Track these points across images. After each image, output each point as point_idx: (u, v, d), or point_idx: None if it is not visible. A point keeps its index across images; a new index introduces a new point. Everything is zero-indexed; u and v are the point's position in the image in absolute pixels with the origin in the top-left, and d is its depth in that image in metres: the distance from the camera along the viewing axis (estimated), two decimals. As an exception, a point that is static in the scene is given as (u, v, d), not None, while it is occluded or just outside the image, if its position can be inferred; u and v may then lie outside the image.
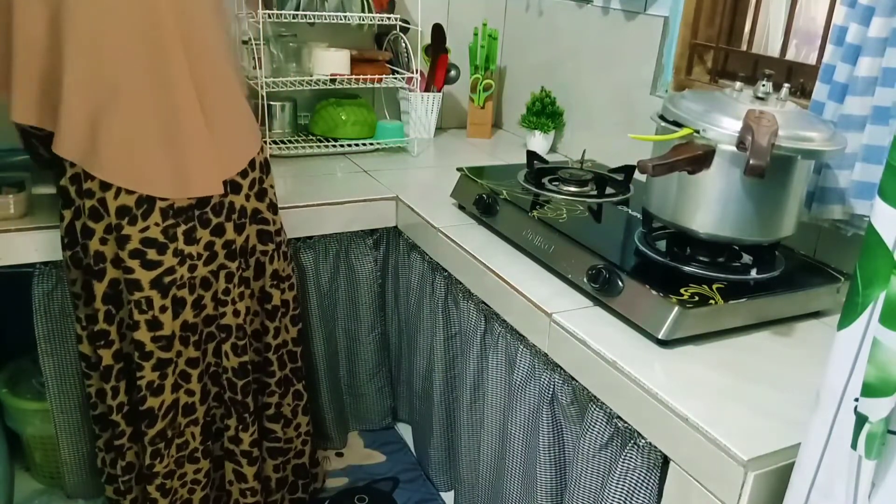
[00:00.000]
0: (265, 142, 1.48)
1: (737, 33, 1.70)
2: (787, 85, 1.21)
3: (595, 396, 1.11)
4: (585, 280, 1.24)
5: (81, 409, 1.60)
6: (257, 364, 1.52)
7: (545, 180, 1.64)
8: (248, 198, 1.39)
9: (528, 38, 2.24)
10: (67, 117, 1.22)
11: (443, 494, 1.79)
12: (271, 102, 2.01)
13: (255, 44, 1.93)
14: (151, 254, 1.29)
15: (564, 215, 1.43)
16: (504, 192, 1.53)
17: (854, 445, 0.70)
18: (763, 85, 1.19)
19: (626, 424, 1.06)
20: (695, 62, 1.75)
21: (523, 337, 1.28)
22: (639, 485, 1.05)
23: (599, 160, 1.85)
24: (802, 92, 1.50)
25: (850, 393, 0.71)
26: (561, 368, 1.19)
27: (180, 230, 1.31)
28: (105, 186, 1.24)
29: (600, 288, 1.20)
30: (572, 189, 1.59)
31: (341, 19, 1.96)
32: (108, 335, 1.35)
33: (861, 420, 0.69)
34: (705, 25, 1.72)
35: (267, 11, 1.89)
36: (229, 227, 1.37)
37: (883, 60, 1.16)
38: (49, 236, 1.43)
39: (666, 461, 1.00)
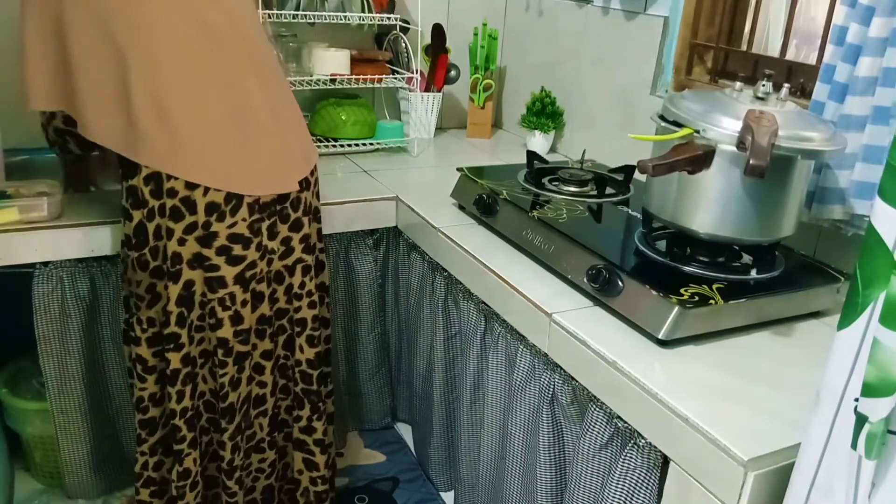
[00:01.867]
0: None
1: (737, 33, 1.70)
2: (787, 85, 1.21)
3: (595, 396, 1.11)
4: (585, 280, 1.24)
5: (82, 409, 1.60)
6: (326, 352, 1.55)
7: (545, 180, 1.64)
8: (316, 195, 1.45)
9: (528, 38, 2.24)
10: (142, 123, 1.22)
11: (443, 494, 1.79)
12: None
13: (255, 44, 1.93)
14: (237, 249, 1.30)
15: (564, 215, 1.43)
16: (504, 192, 1.53)
17: (854, 445, 0.70)
18: (763, 85, 1.19)
19: (626, 424, 1.06)
20: (695, 62, 1.75)
21: (523, 337, 1.28)
22: (639, 485, 1.05)
23: (599, 160, 1.85)
24: (802, 92, 1.50)
25: (850, 393, 0.71)
26: (561, 368, 1.19)
27: (264, 225, 1.33)
28: (191, 185, 1.24)
29: (600, 288, 1.20)
30: (572, 189, 1.59)
31: (341, 19, 1.96)
32: (178, 338, 1.32)
33: (861, 420, 0.69)
34: (705, 25, 1.72)
35: (267, 11, 1.89)
36: (306, 221, 1.40)
37: (883, 60, 1.16)
38: (49, 236, 1.43)
39: (666, 461, 1.00)
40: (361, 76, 2.00)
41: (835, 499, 0.74)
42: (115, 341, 1.61)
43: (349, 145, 2.04)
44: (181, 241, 1.27)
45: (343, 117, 2.03)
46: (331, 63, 1.97)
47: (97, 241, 1.49)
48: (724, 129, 1.13)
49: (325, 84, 1.97)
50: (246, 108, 1.29)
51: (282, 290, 1.40)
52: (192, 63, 1.25)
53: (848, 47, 1.20)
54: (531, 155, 1.72)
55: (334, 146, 2.03)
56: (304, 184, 1.39)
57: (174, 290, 1.29)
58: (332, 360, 1.59)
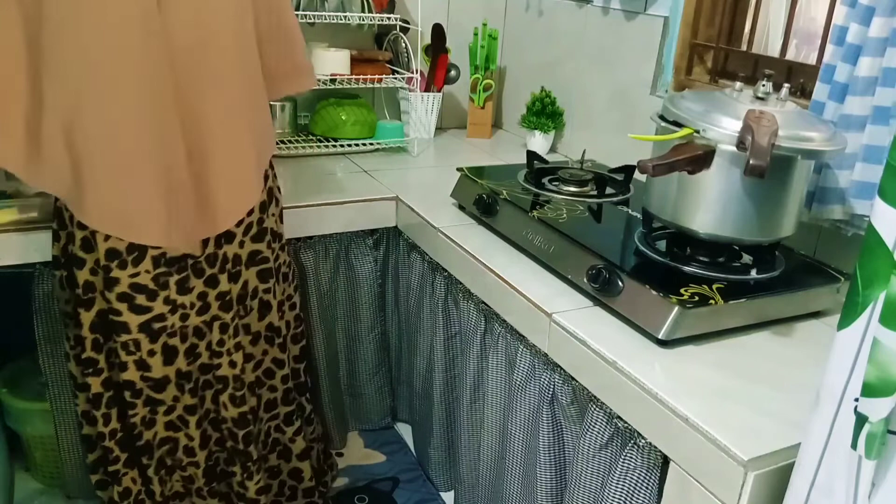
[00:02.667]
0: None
1: (737, 33, 1.70)
2: (787, 85, 1.21)
3: (595, 396, 1.11)
4: (585, 280, 1.24)
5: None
6: (259, 401, 1.49)
7: (545, 180, 1.64)
8: (242, 244, 1.34)
9: (528, 38, 2.24)
10: (49, 151, 1.15)
11: (443, 494, 1.79)
12: (271, 102, 2.01)
13: (255, 44, 1.93)
14: (140, 299, 1.26)
15: (564, 215, 1.43)
16: (504, 192, 1.53)
17: (854, 445, 0.70)
18: (763, 85, 1.19)
19: (626, 424, 1.06)
20: (695, 62, 1.75)
21: (523, 337, 1.28)
22: (639, 485, 1.05)
23: (599, 160, 1.85)
24: (802, 92, 1.50)
25: (850, 393, 0.71)
26: (561, 368, 1.19)
27: (172, 280, 1.27)
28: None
29: (600, 288, 1.20)
30: (572, 189, 1.59)
31: (341, 19, 1.96)
32: (96, 363, 1.33)
33: (861, 420, 0.69)
34: (705, 25, 1.72)
35: (267, 11, 1.89)
36: (223, 277, 1.33)
37: (883, 60, 1.16)
38: (49, 236, 1.43)
39: (666, 461, 1.00)
40: (361, 76, 2.00)
41: (835, 499, 0.74)
42: (114, 341, 1.61)
43: (349, 145, 2.04)
44: (93, 272, 1.26)
45: (343, 117, 2.03)
46: (331, 63, 1.97)
47: (97, 241, 1.49)
48: (724, 129, 1.13)
49: (326, 84, 1.96)
50: (170, 152, 1.19)
51: (203, 344, 1.35)
52: (118, 104, 1.14)
53: (848, 47, 1.20)
54: (531, 155, 1.72)
55: (334, 146, 2.03)
56: (226, 237, 1.31)
57: (87, 317, 1.29)
58: (305, 387, 1.55)
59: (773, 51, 1.61)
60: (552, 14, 2.12)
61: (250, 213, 1.34)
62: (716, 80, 1.72)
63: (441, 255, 1.53)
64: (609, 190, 1.60)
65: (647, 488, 1.04)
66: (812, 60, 1.51)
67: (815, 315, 1.25)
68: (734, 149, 1.11)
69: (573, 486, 1.17)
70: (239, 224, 1.33)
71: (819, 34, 1.47)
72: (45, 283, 1.48)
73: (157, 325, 1.28)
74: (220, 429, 1.44)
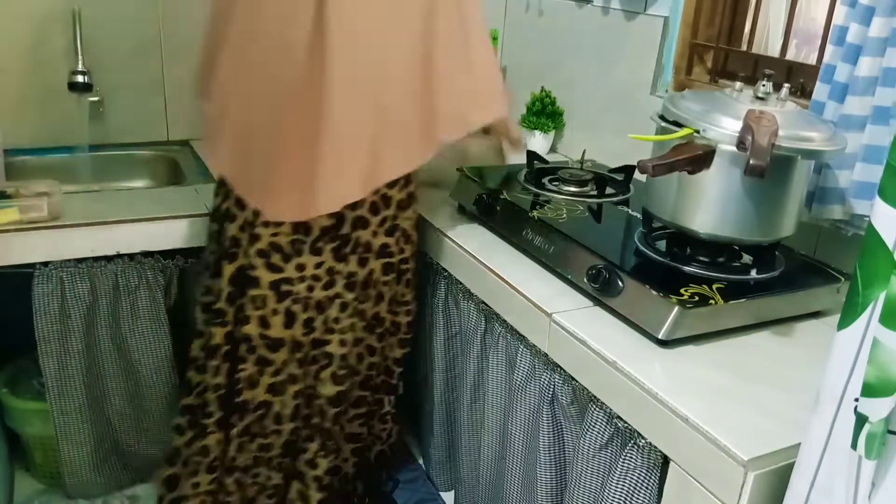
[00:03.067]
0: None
1: (737, 33, 1.70)
2: (787, 85, 1.21)
3: (595, 396, 1.11)
4: (585, 280, 1.24)
5: (81, 409, 1.60)
6: (357, 385, 1.54)
7: (545, 180, 1.64)
8: (375, 234, 1.42)
9: (528, 38, 2.24)
10: (221, 133, 1.36)
11: (443, 494, 1.78)
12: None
13: (255, 44, 1.93)
14: (276, 258, 1.35)
15: (564, 215, 1.43)
16: (504, 192, 1.53)
17: (854, 445, 0.70)
18: (763, 85, 1.19)
19: (626, 424, 1.06)
20: (695, 62, 1.75)
21: (523, 337, 1.28)
22: (639, 485, 1.05)
23: (599, 160, 1.85)
24: (802, 92, 1.50)
25: (850, 393, 0.71)
26: (561, 368, 1.19)
27: (306, 247, 1.36)
28: None
29: (600, 288, 1.20)
30: (572, 189, 1.59)
31: (341, 19, 1.95)
32: (224, 315, 1.39)
33: (861, 420, 0.69)
34: (705, 25, 1.72)
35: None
36: (353, 259, 1.40)
37: (883, 60, 1.16)
38: (49, 236, 1.44)
39: (666, 461, 1.00)
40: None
41: (835, 499, 0.74)
42: (114, 342, 1.61)
43: (349, 145, 2.04)
44: (241, 228, 1.36)
45: (343, 117, 2.02)
46: (331, 63, 1.97)
47: (97, 241, 1.50)
48: (724, 129, 1.13)
49: (325, 84, 1.96)
50: (313, 137, 1.26)
51: (320, 320, 1.41)
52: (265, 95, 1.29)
53: (848, 47, 1.20)
54: (531, 155, 1.72)
55: (334, 146, 2.03)
56: (360, 223, 1.39)
57: (228, 270, 1.37)
58: (395, 391, 1.58)
59: (773, 51, 1.61)
60: (552, 14, 2.12)
61: (387, 205, 1.41)
62: (716, 80, 1.72)
63: (441, 255, 1.53)
64: (609, 190, 1.60)
65: (647, 488, 1.04)
66: (812, 60, 1.51)
67: (815, 315, 1.25)
68: (734, 149, 1.11)
69: (573, 486, 1.17)
70: (375, 213, 1.40)
71: (819, 34, 1.47)
72: (46, 283, 1.48)
73: (284, 288, 1.36)
74: (311, 405, 1.47)
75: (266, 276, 1.35)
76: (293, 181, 1.30)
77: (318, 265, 1.37)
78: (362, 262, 1.42)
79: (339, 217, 1.37)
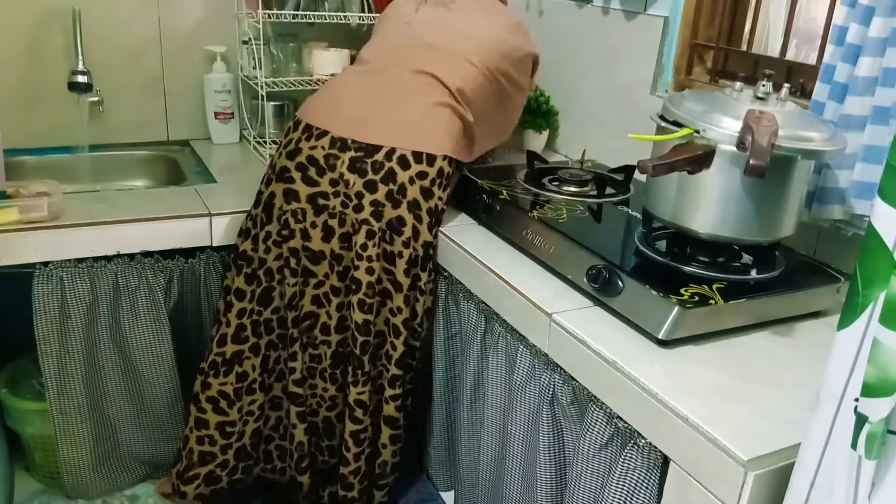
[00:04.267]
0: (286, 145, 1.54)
1: (737, 33, 1.70)
2: (787, 85, 1.21)
3: (595, 396, 1.11)
4: (585, 280, 1.24)
5: (81, 409, 1.60)
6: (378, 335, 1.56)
7: (545, 180, 1.64)
8: (412, 180, 1.46)
9: (528, 38, 2.24)
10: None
11: (443, 494, 1.78)
12: (271, 102, 2.01)
13: (255, 44, 1.94)
14: (312, 171, 1.47)
15: (564, 215, 1.43)
16: (504, 192, 1.53)
17: (854, 445, 0.70)
18: (763, 85, 1.19)
19: (626, 424, 1.06)
20: (695, 62, 1.75)
21: (523, 337, 1.28)
22: (639, 485, 1.05)
23: (599, 160, 1.85)
24: (802, 92, 1.50)
25: (850, 393, 0.71)
26: (561, 368, 1.19)
27: (340, 162, 1.46)
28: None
29: (600, 288, 1.20)
30: (572, 189, 1.59)
31: (341, 19, 1.96)
32: (258, 240, 1.51)
33: (861, 420, 0.69)
34: (705, 25, 1.72)
35: (267, 11, 1.89)
36: (382, 189, 1.46)
37: (883, 60, 1.16)
38: (49, 236, 1.44)
39: (666, 461, 1.00)
40: (361, 76, 2.00)
41: (835, 499, 0.74)
42: (114, 341, 1.61)
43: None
44: (279, 154, 1.52)
45: (343, 117, 2.02)
46: (331, 63, 1.97)
47: (97, 241, 1.50)
48: (724, 129, 1.13)
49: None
50: (388, 80, 1.54)
51: (354, 239, 1.49)
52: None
53: (848, 47, 1.20)
54: (531, 155, 1.72)
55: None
56: (401, 162, 1.46)
57: (264, 195, 1.53)
58: (404, 365, 1.55)
59: (773, 51, 1.61)
60: (552, 14, 2.12)
61: (431, 163, 1.48)
62: (716, 80, 1.72)
63: (441, 255, 1.53)
64: (609, 190, 1.60)
65: (647, 488, 1.04)
66: (812, 60, 1.51)
67: (815, 315, 1.25)
68: (734, 149, 1.11)
69: (573, 486, 1.17)
70: (418, 160, 1.47)
71: (819, 34, 1.47)
72: (45, 283, 1.48)
73: (321, 202, 1.47)
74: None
75: (304, 190, 1.47)
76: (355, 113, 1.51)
77: (350, 184, 1.46)
78: (390, 196, 1.46)
79: (375, 147, 1.47)
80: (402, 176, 1.46)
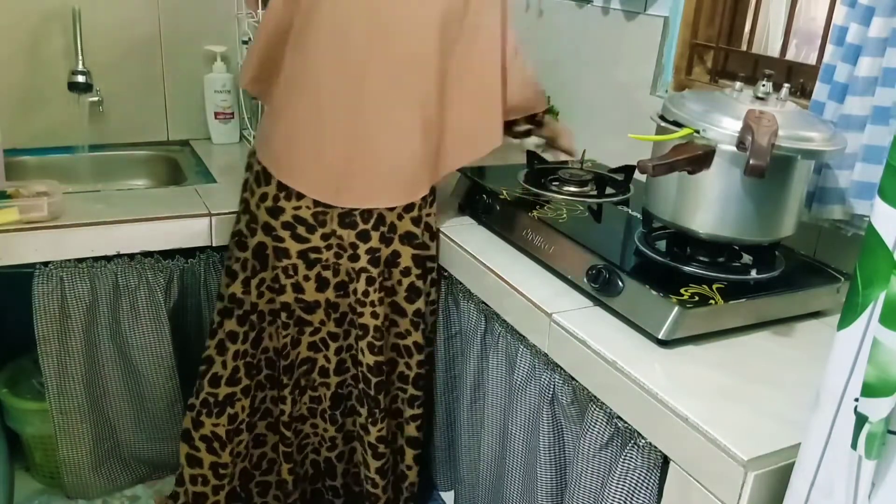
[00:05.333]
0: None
1: (737, 33, 1.70)
2: (787, 85, 1.21)
3: (595, 396, 1.11)
4: (585, 280, 1.24)
5: (81, 409, 1.60)
6: (392, 368, 1.55)
7: (545, 180, 1.64)
8: (400, 217, 1.44)
9: (528, 38, 2.23)
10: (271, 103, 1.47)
11: (443, 494, 1.78)
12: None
13: (255, 44, 1.93)
14: (301, 230, 1.43)
15: (564, 215, 1.43)
16: (504, 192, 1.53)
17: (854, 445, 0.70)
18: (763, 85, 1.19)
19: (626, 424, 1.06)
20: (695, 62, 1.75)
21: (523, 337, 1.28)
22: (639, 485, 1.05)
23: (599, 160, 1.85)
24: (802, 92, 1.50)
25: (850, 393, 0.71)
26: (561, 368, 1.19)
27: (329, 217, 1.42)
28: None
29: (600, 288, 1.20)
30: (572, 189, 1.59)
31: (341, 19, 1.95)
32: (249, 284, 1.47)
33: (861, 420, 0.69)
34: (705, 25, 1.72)
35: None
36: (375, 235, 1.43)
37: (883, 60, 1.16)
38: (49, 236, 1.44)
39: (666, 461, 1.00)
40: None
41: (835, 499, 0.74)
42: (114, 341, 1.61)
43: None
44: (257, 206, 1.45)
45: (343, 117, 2.02)
46: (331, 63, 1.97)
47: (97, 241, 1.50)
48: (724, 129, 1.13)
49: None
50: (355, 125, 1.38)
51: (352, 287, 1.47)
52: (324, 68, 1.38)
53: (848, 47, 1.20)
54: (531, 155, 1.72)
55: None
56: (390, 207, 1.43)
57: (252, 243, 1.46)
58: (422, 385, 1.56)
59: (773, 51, 1.61)
60: (552, 14, 2.12)
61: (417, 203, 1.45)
62: (716, 80, 1.72)
63: (441, 255, 1.53)
64: (609, 190, 1.60)
65: (647, 488, 1.04)
66: (812, 60, 1.51)
67: (815, 315, 1.25)
68: (734, 149, 1.11)
69: (573, 486, 1.17)
70: (414, 206, 1.45)
71: (819, 34, 1.47)
72: (45, 283, 1.48)
73: (313, 256, 1.44)
74: (357, 366, 1.52)
75: (294, 247, 1.43)
76: (338, 169, 1.41)
77: (338, 237, 1.44)
78: (385, 241, 1.44)
79: None
80: (391, 216, 1.44)
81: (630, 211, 1.51)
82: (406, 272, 1.47)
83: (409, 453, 1.60)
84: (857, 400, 0.70)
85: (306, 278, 1.45)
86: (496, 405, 1.39)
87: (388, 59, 1.37)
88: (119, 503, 1.75)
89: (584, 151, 1.83)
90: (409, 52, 1.38)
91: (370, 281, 1.45)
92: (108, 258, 1.54)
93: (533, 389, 1.27)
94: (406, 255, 1.47)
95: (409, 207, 1.44)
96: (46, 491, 1.78)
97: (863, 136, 1.19)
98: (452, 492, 1.67)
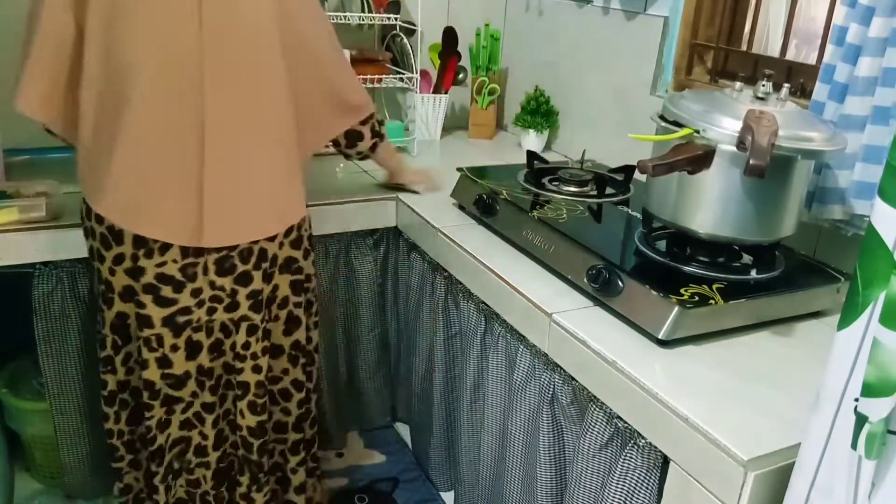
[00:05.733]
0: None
1: (737, 33, 1.70)
2: (787, 85, 1.21)
3: (595, 396, 1.11)
4: (585, 280, 1.24)
5: (81, 409, 1.60)
6: (271, 418, 1.45)
7: (545, 180, 1.64)
8: (281, 245, 1.31)
9: (528, 39, 2.24)
10: (79, 138, 1.19)
11: (443, 494, 1.79)
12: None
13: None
14: (166, 291, 1.22)
15: (564, 215, 1.43)
16: (504, 192, 1.53)
17: (854, 445, 0.70)
18: (763, 85, 1.19)
19: (626, 424, 1.06)
20: (695, 62, 1.75)
21: (523, 337, 1.28)
22: (639, 485, 1.05)
23: (599, 160, 1.85)
24: (802, 92, 1.50)
25: (850, 393, 0.71)
26: (561, 368, 1.19)
27: (200, 270, 1.23)
28: None
29: (600, 288, 1.20)
30: (572, 189, 1.59)
31: (341, 19, 1.96)
32: (112, 362, 1.32)
33: (861, 420, 0.69)
34: (705, 25, 1.72)
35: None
36: (257, 276, 1.28)
37: (883, 60, 1.16)
38: (49, 236, 1.43)
39: (666, 461, 1.00)
40: (361, 76, 2.00)
41: (835, 499, 0.74)
42: (114, 341, 1.61)
43: (349, 145, 2.04)
44: (111, 271, 1.23)
45: (343, 117, 2.02)
46: (331, 63, 1.97)
47: (97, 241, 1.49)
48: (724, 129, 1.13)
49: (325, 84, 1.96)
50: (199, 152, 1.18)
51: (228, 343, 1.32)
52: (148, 92, 1.15)
53: (848, 47, 1.20)
54: (531, 155, 1.72)
55: (334, 146, 2.03)
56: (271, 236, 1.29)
57: (108, 316, 1.27)
58: (304, 424, 1.48)
59: (773, 51, 1.61)
60: (552, 14, 2.12)
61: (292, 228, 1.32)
62: (716, 80, 1.72)
63: (441, 255, 1.53)
64: (609, 190, 1.60)
65: (647, 488, 1.04)
66: (812, 60, 1.51)
67: (815, 315, 1.25)
68: (734, 149, 1.11)
69: (573, 486, 1.17)
70: (291, 231, 1.31)
71: (819, 34, 1.47)
72: (45, 283, 1.48)
73: (181, 319, 1.25)
74: (236, 431, 1.41)
75: (158, 314, 1.23)
76: (199, 204, 1.20)
77: (218, 287, 1.25)
78: (267, 279, 1.31)
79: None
80: (273, 247, 1.29)
81: (630, 211, 1.51)
82: (284, 303, 1.35)
83: (302, 500, 1.53)
84: (857, 400, 0.70)
85: (174, 348, 1.26)
86: (496, 405, 1.39)
87: (224, 62, 1.18)
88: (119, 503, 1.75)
89: (584, 151, 1.83)
90: (246, 57, 1.20)
91: (251, 330, 1.30)
92: (108, 258, 1.53)
93: (533, 389, 1.27)
94: (284, 284, 1.34)
95: (288, 231, 1.30)
96: (46, 491, 1.78)
97: (863, 136, 1.20)
98: (452, 492, 1.67)
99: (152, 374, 1.27)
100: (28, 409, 1.70)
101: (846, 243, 1.32)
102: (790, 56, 1.56)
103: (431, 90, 2.21)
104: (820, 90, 1.28)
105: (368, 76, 2.00)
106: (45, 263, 1.46)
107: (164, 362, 1.27)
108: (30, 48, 1.19)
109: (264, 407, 1.38)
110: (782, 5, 1.59)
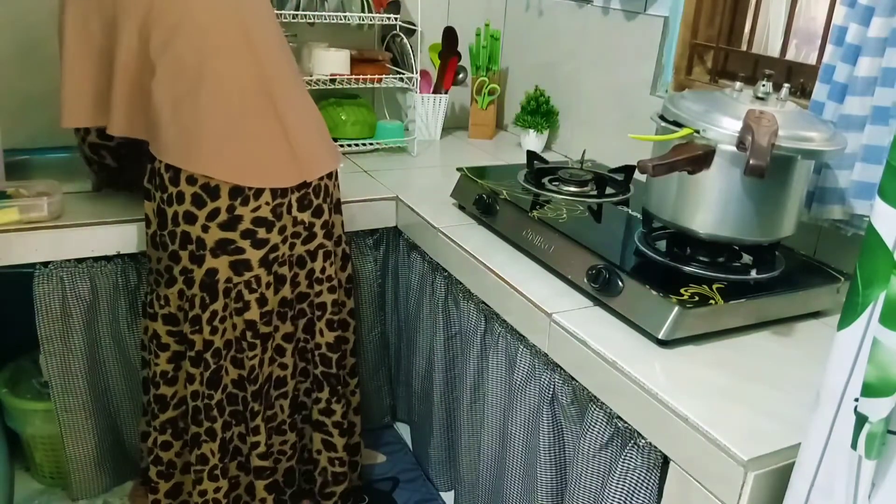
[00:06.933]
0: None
1: (737, 33, 1.70)
2: (787, 85, 1.21)
3: (595, 396, 1.11)
4: (585, 280, 1.24)
5: (86, 406, 1.60)
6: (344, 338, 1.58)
7: (545, 180, 1.64)
8: (336, 185, 1.48)
9: (528, 39, 2.24)
10: (158, 118, 1.29)
11: (443, 494, 1.79)
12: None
13: (255, 44, 1.93)
14: (261, 232, 1.34)
15: (564, 215, 1.43)
16: (504, 192, 1.53)
17: (854, 445, 0.70)
18: (763, 85, 1.19)
19: (626, 424, 1.06)
20: (695, 62, 1.75)
21: (523, 337, 1.28)
22: (639, 485, 1.05)
23: (599, 160, 1.85)
24: (802, 92, 1.50)
25: (850, 393, 0.71)
26: (561, 368, 1.19)
27: (285, 209, 1.37)
28: None
29: (600, 288, 1.20)
30: (572, 189, 1.59)
31: (341, 19, 1.96)
32: (200, 321, 1.35)
33: (861, 420, 0.69)
34: (705, 25, 1.72)
35: (267, 11, 1.89)
36: (326, 208, 1.44)
37: (883, 60, 1.16)
38: (49, 236, 1.43)
39: (666, 461, 1.00)
40: (361, 76, 2.00)
41: (835, 499, 0.74)
42: (115, 339, 1.61)
43: (349, 145, 2.04)
44: (204, 228, 1.31)
45: (343, 117, 2.03)
46: (331, 63, 1.97)
47: (97, 241, 1.49)
48: (724, 129, 1.13)
49: (325, 84, 1.97)
50: (269, 101, 1.34)
51: (303, 273, 1.44)
52: (214, 56, 1.30)
53: (847, 47, 1.21)
54: (531, 155, 1.72)
55: (334, 146, 2.03)
56: (328, 175, 1.44)
57: (198, 274, 1.33)
58: (356, 349, 1.62)
59: (773, 51, 1.61)
60: (552, 14, 2.12)
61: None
62: (716, 80, 1.72)
63: (441, 255, 1.53)
64: (609, 190, 1.60)
65: (647, 488, 1.04)
66: (812, 60, 1.51)
67: (815, 315, 1.25)
68: (734, 149, 1.11)
69: (573, 486, 1.17)
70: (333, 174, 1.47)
71: (819, 34, 1.47)
72: (46, 283, 1.48)
73: (272, 256, 1.37)
74: (306, 357, 1.50)
75: (255, 255, 1.35)
76: (283, 149, 1.36)
77: (299, 222, 1.40)
78: (330, 211, 1.46)
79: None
80: (331, 185, 1.47)
81: (630, 211, 1.51)
82: (339, 241, 1.51)
83: (358, 423, 1.63)
84: (857, 400, 0.70)
85: (268, 285, 1.38)
86: (496, 405, 1.39)
87: (262, 15, 1.40)
88: (120, 502, 1.75)
89: (584, 151, 1.83)
90: (265, 12, 1.42)
91: (327, 255, 1.45)
92: (108, 258, 1.53)
93: (533, 389, 1.27)
94: (338, 223, 1.51)
95: (332, 174, 1.46)
96: (46, 491, 1.78)
97: (862, 136, 1.20)
98: (452, 492, 1.67)
99: (253, 313, 1.37)
100: (28, 409, 1.70)
101: (846, 243, 1.32)
102: (790, 56, 1.56)
103: (431, 90, 2.21)
104: (820, 90, 1.28)
105: (368, 76, 2.00)
106: (46, 263, 1.46)
107: (262, 301, 1.38)
108: (64, 66, 1.33)
109: (340, 323, 1.51)
110: (782, 5, 1.59)
